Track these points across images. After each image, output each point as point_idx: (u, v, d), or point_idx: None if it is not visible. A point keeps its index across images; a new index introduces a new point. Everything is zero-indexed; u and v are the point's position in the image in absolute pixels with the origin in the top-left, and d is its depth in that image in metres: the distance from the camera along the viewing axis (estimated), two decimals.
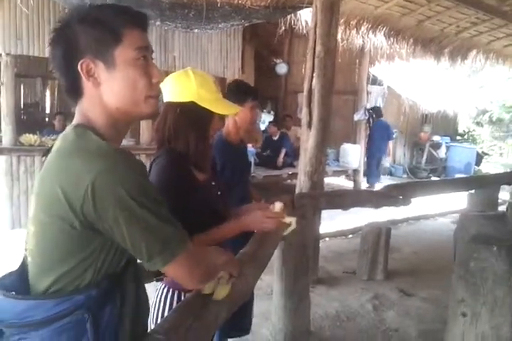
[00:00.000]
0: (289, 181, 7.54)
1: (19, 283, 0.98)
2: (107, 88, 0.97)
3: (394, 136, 10.92)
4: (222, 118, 1.81)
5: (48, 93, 9.84)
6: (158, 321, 1.47)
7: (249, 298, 1.96)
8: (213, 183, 1.69)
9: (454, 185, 4.80)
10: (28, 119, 9.02)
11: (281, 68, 10.36)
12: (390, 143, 9.25)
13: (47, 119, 9.32)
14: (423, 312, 3.45)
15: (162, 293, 1.55)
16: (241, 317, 1.81)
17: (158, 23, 4.74)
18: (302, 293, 2.86)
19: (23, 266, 1.02)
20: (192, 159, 1.55)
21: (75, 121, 1.00)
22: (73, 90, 0.99)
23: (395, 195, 3.42)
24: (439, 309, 3.47)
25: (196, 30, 5.24)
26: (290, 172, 7.38)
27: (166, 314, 1.48)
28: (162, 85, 1.59)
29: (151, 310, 1.55)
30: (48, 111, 9.85)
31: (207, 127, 1.60)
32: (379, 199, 3.29)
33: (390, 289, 3.84)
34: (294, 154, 7.68)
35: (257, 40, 9.24)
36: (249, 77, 8.53)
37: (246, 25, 5.43)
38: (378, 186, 7.97)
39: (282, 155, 7.61)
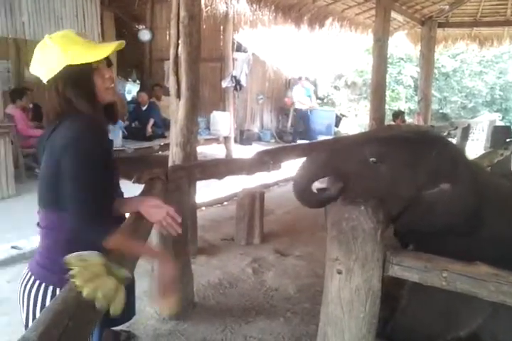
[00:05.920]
0: (160, 153, 7.36)
1: None
2: None
3: (261, 101, 11.24)
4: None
5: None
6: (30, 322, 1.34)
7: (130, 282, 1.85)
8: None
9: (319, 147, 5.07)
10: None
11: (145, 35, 9.85)
12: None
13: None
14: (298, 269, 3.67)
15: (31, 290, 1.39)
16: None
17: None
18: (184, 266, 2.84)
19: None
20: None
21: None
22: None
23: (266, 160, 3.49)
24: (311, 264, 3.73)
25: None
26: (162, 144, 7.21)
27: (37, 313, 1.34)
28: (32, 68, 1.44)
29: (21, 307, 1.40)
30: None
31: (90, 82, 1.48)
32: (252, 166, 3.33)
33: (267, 251, 4.01)
34: (163, 124, 7.48)
35: (117, 4, 8.62)
36: None
37: None
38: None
39: (150, 124, 7.40)
